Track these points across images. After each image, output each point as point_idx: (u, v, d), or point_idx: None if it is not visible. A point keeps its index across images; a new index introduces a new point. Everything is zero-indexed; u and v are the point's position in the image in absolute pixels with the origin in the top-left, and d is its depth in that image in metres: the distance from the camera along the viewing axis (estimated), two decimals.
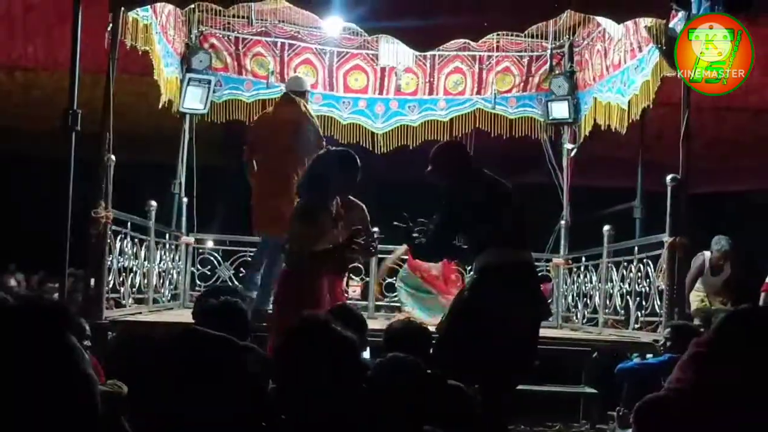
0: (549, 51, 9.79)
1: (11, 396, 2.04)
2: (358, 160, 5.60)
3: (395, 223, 5.58)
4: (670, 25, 7.02)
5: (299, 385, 2.44)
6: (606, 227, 8.38)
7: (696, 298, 9.30)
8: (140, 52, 7.43)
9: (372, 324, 5.64)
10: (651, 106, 7.72)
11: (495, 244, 5.17)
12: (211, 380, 2.06)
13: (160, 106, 8.67)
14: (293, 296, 5.16)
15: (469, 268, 6.57)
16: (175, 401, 2.26)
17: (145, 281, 8.20)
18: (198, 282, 9.41)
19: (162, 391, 2.31)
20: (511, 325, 4.93)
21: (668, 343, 6.08)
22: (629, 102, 7.91)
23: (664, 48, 6.99)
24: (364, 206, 6.86)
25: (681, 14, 6.94)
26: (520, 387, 5.38)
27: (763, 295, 8.45)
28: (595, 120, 8.90)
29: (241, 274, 8.98)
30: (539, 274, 9.60)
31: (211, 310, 4.13)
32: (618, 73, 8.24)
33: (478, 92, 10.02)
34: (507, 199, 5.38)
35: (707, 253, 9.36)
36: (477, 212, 5.23)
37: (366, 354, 4.84)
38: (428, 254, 6.15)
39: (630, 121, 8.06)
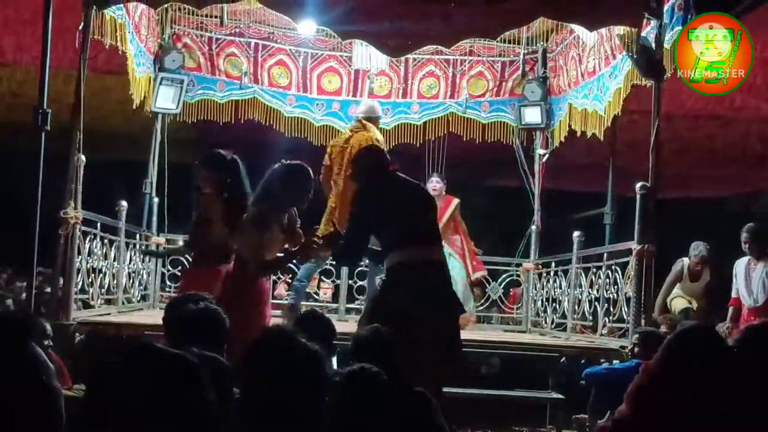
0: (522, 57, 9.83)
1: None
2: (311, 174, 5.80)
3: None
4: (642, 33, 7.06)
5: (262, 397, 2.44)
6: (576, 233, 8.42)
7: (681, 303, 9.18)
8: (118, 51, 7.39)
9: (342, 327, 5.67)
10: (619, 114, 7.76)
11: (404, 244, 5.28)
12: (159, 404, 2.02)
13: (134, 107, 8.63)
14: (242, 300, 5.38)
15: None
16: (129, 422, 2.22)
17: (115, 282, 8.15)
18: (168, 283, 9.36)
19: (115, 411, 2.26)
20: (426, 324, 5.00)
21: (636, 349, 6.14)
22: (605, 108, 7.93)
23: (636, 56, 7.05)
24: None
25: (653, 23, 6.98)
26: (487, 392, 5.41)
27: (730, 309, 8.40)
28: (570, 126, 8.93)
29: None
30: (510, 278, 9.79)
31: (188, 318, 3.97)
32: (594, 79, 8.26)
33: (452, 96, 10.05)
34: (417, 199, 5.56)
35: (686, 260, 9.25)
36: (385, 212, 5.37)
37: (334, 361, 4.85)
38: (345, 257, 6.45)
39: (606, 127, 8.09)
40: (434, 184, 9.03)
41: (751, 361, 3.45)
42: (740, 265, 8.31)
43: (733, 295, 8.38)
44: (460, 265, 8.79)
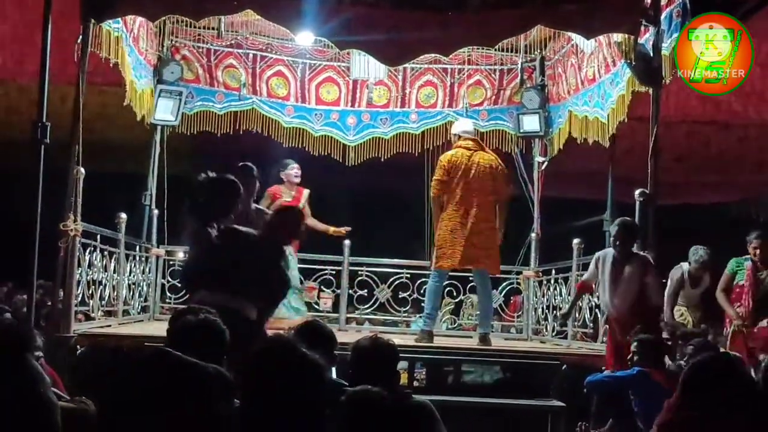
0: (520, 65, 9.83)
1: None
2: (237, 186, 5.98)
3: None
4: (640, 41, 7.08)
5: (262, 407, 2.44)
6: (576, 240, 8.41)
7: (675, 313, 8.84)
8: (111, 64, 7.41)
9: (342, 337, 5.65)
10: (626, 120, 7.73)
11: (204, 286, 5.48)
12: (175, 407, 2.04)
13: (137, 119, 8.64)
14: None
15: None
16: (138, 424, 2.24)
17: (115, 294, 8.14)
18: (168, 294, 9.36)
19: (126, 412, 2.29)
20: None
21: (635, 357, 6.12)
22: (608, 116, 7.91)
23: (634, 64, 7.05)
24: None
25: (651, 30, 7.00)
26: (488, 401, 5.37)
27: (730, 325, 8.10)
28: (570, 133, 8.92)
29: None
30: (510, 286, 9.78)
31: (188, 328, 3.98)
32: (594, 86, 8.25)
33: (450, 105, 10.06)
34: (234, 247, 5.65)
35: (685, 265, 8.93)
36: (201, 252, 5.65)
37: (333, 371, 4.84)
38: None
39: (610, 134, 8.07)
40: (297, 171, 9.22)
41: None
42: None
43: None
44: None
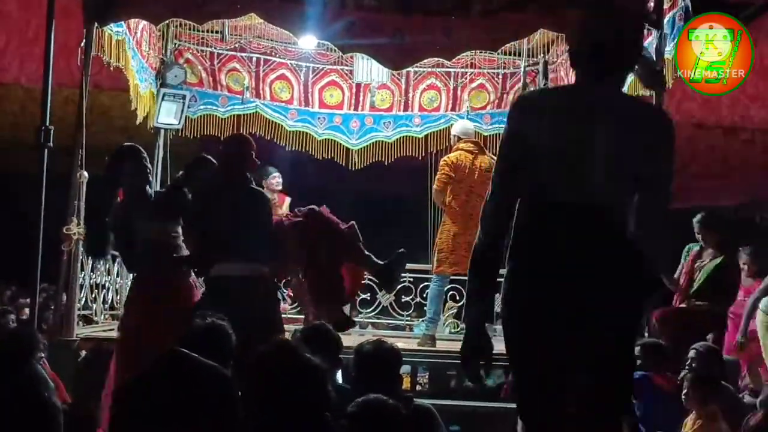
0: (523, 68, 9.83)
1: None
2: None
3: None
4: (644, 44, 7.07)
5: (265, 412, 2.44)
6: None
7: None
8: (112, 68, 7.41)
9: (345, 341, 5.64)
10: None
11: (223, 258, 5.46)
12: (193, 410, 2.04)
13: (137, 123, 8.64)
14: None
15: None
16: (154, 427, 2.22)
17: (118, 297, 8.14)
18: None
19: (142, 414, 2.26)
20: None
21: (638, 362, 6.10)
22: None
23: (637, 67, 7.03)
24: None
25: (654, 34, 6.99)
26: (495, 405, 5.34)
27: None
28: None
29: None
30: None
31: (197, 333, 3.96)
32: None
33: (453, 109, 10.05)
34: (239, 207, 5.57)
35: None
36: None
37: (339, 374, 4.85)
38: None
39: None
40: (279, 179, 9.48)
41: None
42: None
43: None
44: None
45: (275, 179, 9.40)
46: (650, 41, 7.04)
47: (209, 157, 6.19)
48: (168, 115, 9.22)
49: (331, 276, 6.18)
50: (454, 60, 8.85)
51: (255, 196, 5.74)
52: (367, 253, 6.37)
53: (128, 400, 2.07)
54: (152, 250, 5.87)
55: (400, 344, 4.96)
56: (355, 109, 10.11)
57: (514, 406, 3.20)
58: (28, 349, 2.22)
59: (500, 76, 10.03)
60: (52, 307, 7.45)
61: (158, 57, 9.22)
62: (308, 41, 8.68)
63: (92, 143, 6.95)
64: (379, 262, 6.46)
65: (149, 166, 6.22)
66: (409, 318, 9.77)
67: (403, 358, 4.57)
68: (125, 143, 6.22)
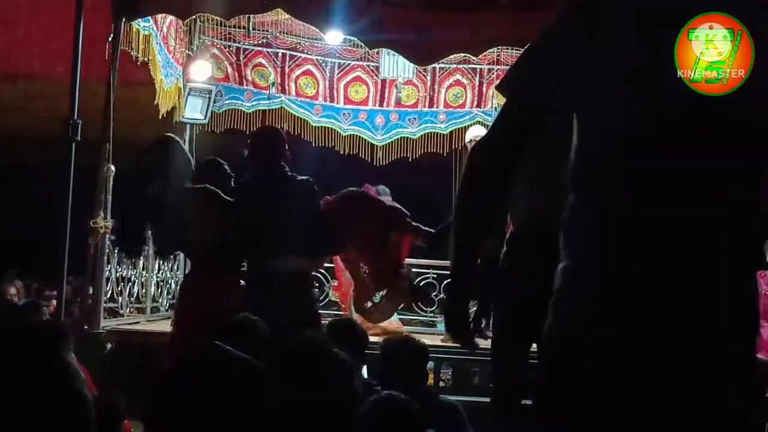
0: None
1: (3, 417, 2.04)
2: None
3: None
4: None
5: (290, 406, 2.44)
6: None
7: None
8: (139, 63, 7.45)
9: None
10: None
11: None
12: (228, 403, 2.03)
13: (160, 117, 8.67)
14: None
15: None
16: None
17: (143, 290, 8.19)
18: None
19: (176, 406, 2.24)
20: None
21: None
22: None
23: None
24: None
25: None
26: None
27: None
28: None
29: None
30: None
31: (230, 326, 3.96)
32: None
33: (479, 105, 10.03)
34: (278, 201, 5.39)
35: None
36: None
37: (365, 369, 4.84)
38: None
39: None
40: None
41: None
42: None
43: None
44: None
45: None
46: None
47: (220, 159, 6.08)
48: (194, 110, 9.25)
49: (389, 256, 6.05)
50: (480, 56, 8.84)
51: (297, 185, 5.52)
52: (415, 224, 6.21)
53: (163, 392, 2.07)
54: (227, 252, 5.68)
55: (424, 340, 4.95)
56: (381, 105, 10.11)
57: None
58: (58, 339, 2.22)
59: None
60: (79, 300, 7.50)
61: (184, 52, 9.25)
62: (334, 37, 8.66)
63: (119, 137, 6.98)
64: (431, 230, 6.24)
65: (232, 174, 6.06)
66: (432, 314, 9.75)
67: None
68: (209, 157, 6.11)
